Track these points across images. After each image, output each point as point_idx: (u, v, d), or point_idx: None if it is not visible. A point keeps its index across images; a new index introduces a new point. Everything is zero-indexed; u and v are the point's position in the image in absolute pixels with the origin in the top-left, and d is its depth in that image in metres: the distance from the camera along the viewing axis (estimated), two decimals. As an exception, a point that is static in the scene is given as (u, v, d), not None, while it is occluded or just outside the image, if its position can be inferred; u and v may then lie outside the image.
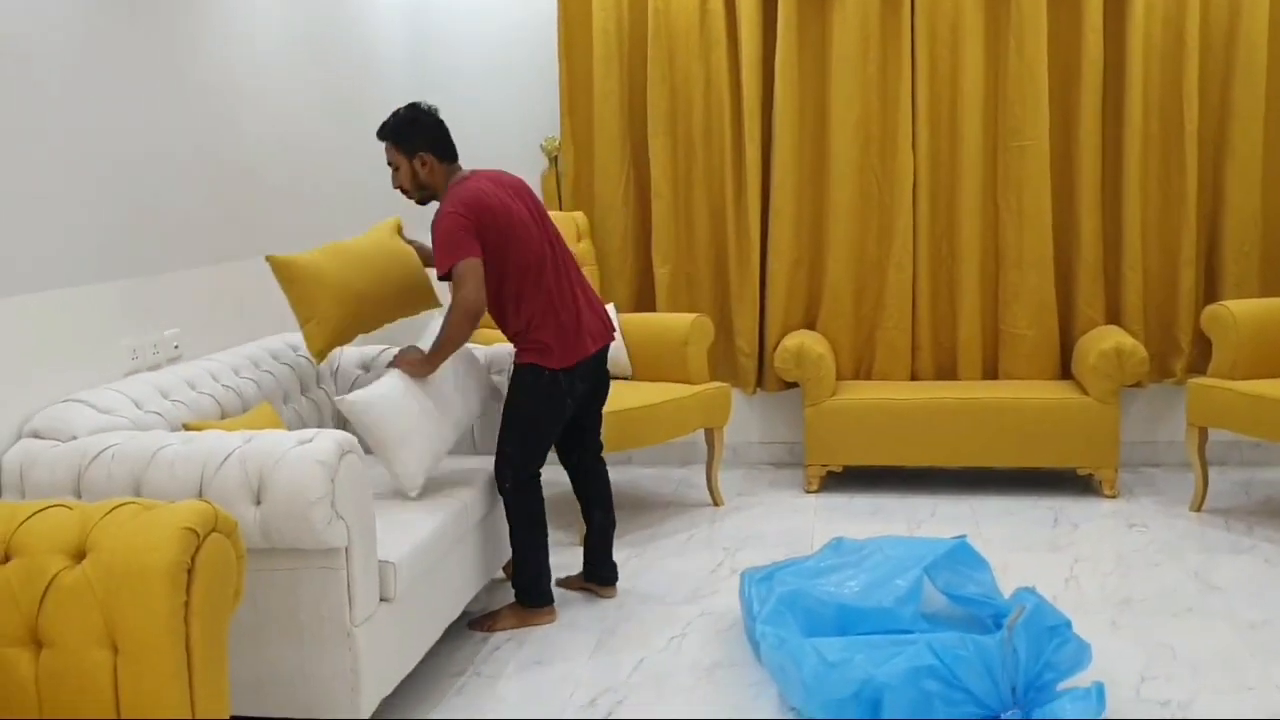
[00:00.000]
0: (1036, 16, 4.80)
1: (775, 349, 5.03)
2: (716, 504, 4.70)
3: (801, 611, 3.05)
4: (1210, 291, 4.96)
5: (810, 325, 5.19)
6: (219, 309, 3.59)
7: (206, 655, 1.95)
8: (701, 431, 4.68)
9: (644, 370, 4.75)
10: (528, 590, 3.54)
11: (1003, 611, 3.11)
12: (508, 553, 3.63)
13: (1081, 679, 2.70)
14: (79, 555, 1.96)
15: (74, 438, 2.64)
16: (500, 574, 3.71)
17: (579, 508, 3.86)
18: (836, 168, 5.04)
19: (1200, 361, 4.92)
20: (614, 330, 3.66)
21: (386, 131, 3.44)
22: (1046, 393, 4.75)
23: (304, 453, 2.50)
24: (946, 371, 5.16)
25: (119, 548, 1.93)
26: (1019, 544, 4.09)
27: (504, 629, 3.48)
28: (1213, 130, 4.87)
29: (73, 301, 2.91)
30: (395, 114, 3.46)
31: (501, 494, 3.50)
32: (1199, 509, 4.39)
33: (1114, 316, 4.99)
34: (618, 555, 3.87)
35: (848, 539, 3.44)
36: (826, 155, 5.07)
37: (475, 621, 3.51)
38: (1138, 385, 4.83)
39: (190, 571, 1.93)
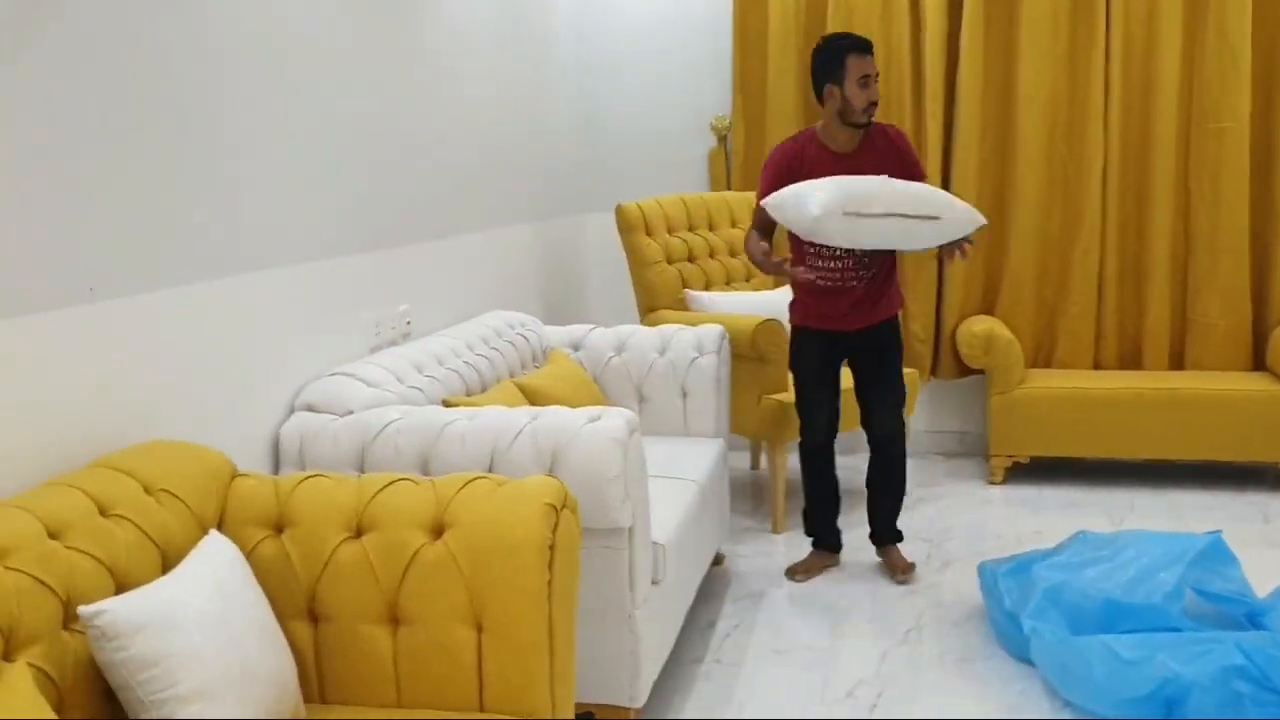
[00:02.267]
0: (1240, -11, 4.62)
1: (952, 335, 4.91)
2: (899, 493, 4.57)
3: (1067, 606, 2.93)
4: None
5: (988, 311, 5.04)
6: (438, 284, 3.55)
7: (564, 634, 1.88)
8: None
9: (826, 354, 4.63)
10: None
11: (1257, 610, 2.98)
12: (718, 540, 3.56)
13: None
14: (437, 531, 1.89)
15: (350, 412, 2.58)
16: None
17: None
18: (1022, 149, 4.88)
19: (1405, 354, 4.73)
20: None
21: (869, 44, 3.46)
22: (1245, 384, 4.57)
23: (598, 429, 2.42)
24: (1130, 361, 4.99)
25: (482, 523, 1.87)
26: (1234, 540, 3.86)
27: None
28: None
29: (322, 275, 2.86)
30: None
31: (901, 436, 3.69)
32: None
33: (1314, 305, 4.80)
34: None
35: (1091, 532, 3.31)
36: (1012, 136, 4.91)
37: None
38: (1338, 378, 4.64)
39: (552, 548, 1.85)
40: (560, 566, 1.86)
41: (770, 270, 3.52)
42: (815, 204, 3.13)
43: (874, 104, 3.42)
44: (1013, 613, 3.07)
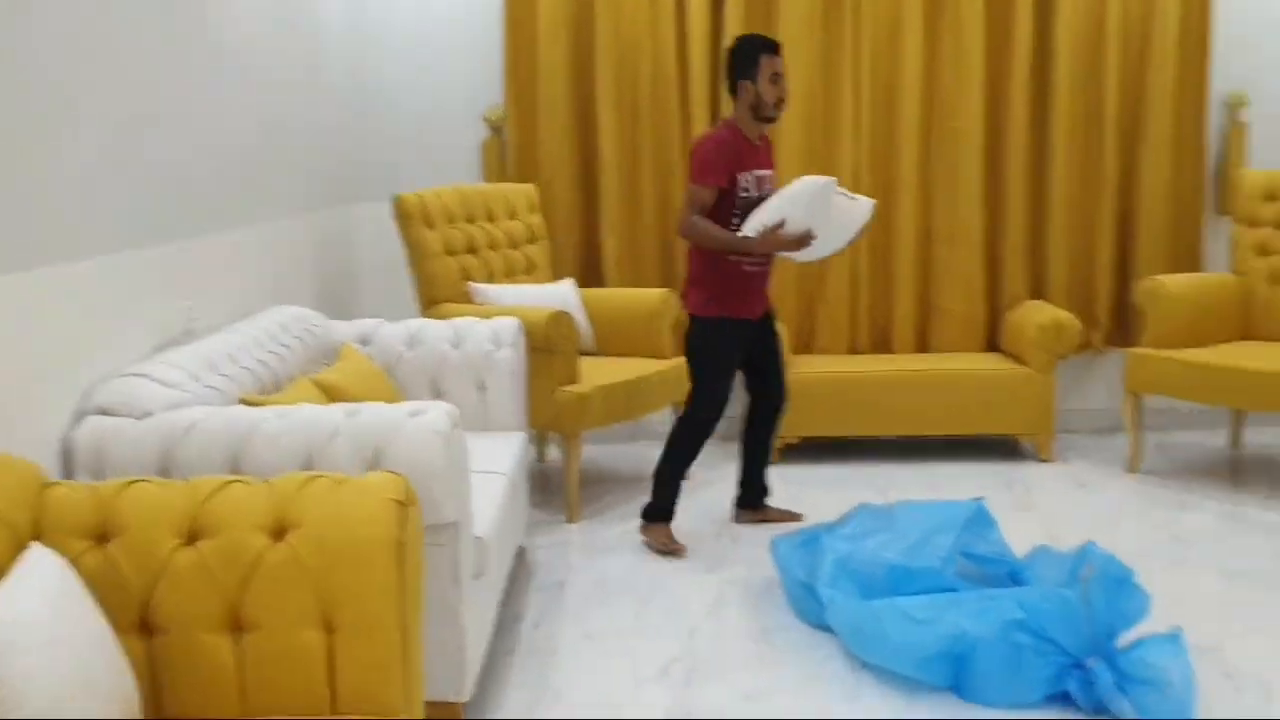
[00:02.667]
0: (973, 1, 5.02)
1: (724, 323, 5.12)
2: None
3: (856, 574, 3.12)
4: (1123, 267, 5.31)
5: (755, 300, 5.26)
6: (218, 280, 3.38)
7: (415, 631, 1.85)
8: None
9: (608, 345, 4.71)
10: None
11: (1017, 569, 3.27)
12: (521, 532, 3.58)
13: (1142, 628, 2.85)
14: (279, 532, 1.82)
15: (149, 414, 2.43)
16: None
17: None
18: (781, 146, 5.09)
19: (1115, 333, 5.30)
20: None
21: (779, 45, 3.76)
22: (983, 364, 4.98)
23: (421, 424, 2.38)
24: (881, 345, 5.34)
25: (327, 522, 1.81)
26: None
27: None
28: (1129, 114, 5.21)
29: (99, 272, 2.65)
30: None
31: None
32: (1136, 470, 4.72)
33: (1037, 291, 5.29)
34: (610, 532, 3.90)
35: (871, 504, 3.53)
36: (771, 133, 5.12)
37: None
38: (1062, 357, 5.13)
39: (401, 545, 1.82)
40: (409, 563, 1.83)
41: (736, 246, 3.64)
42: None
43: (782, 100, 3.69)
44: (807, 583, 3.24)
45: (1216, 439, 5.26)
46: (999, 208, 5.24)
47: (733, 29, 5.00)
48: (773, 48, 3.69)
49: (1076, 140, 5.19)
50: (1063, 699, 2.76)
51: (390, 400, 3.18)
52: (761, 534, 3.86)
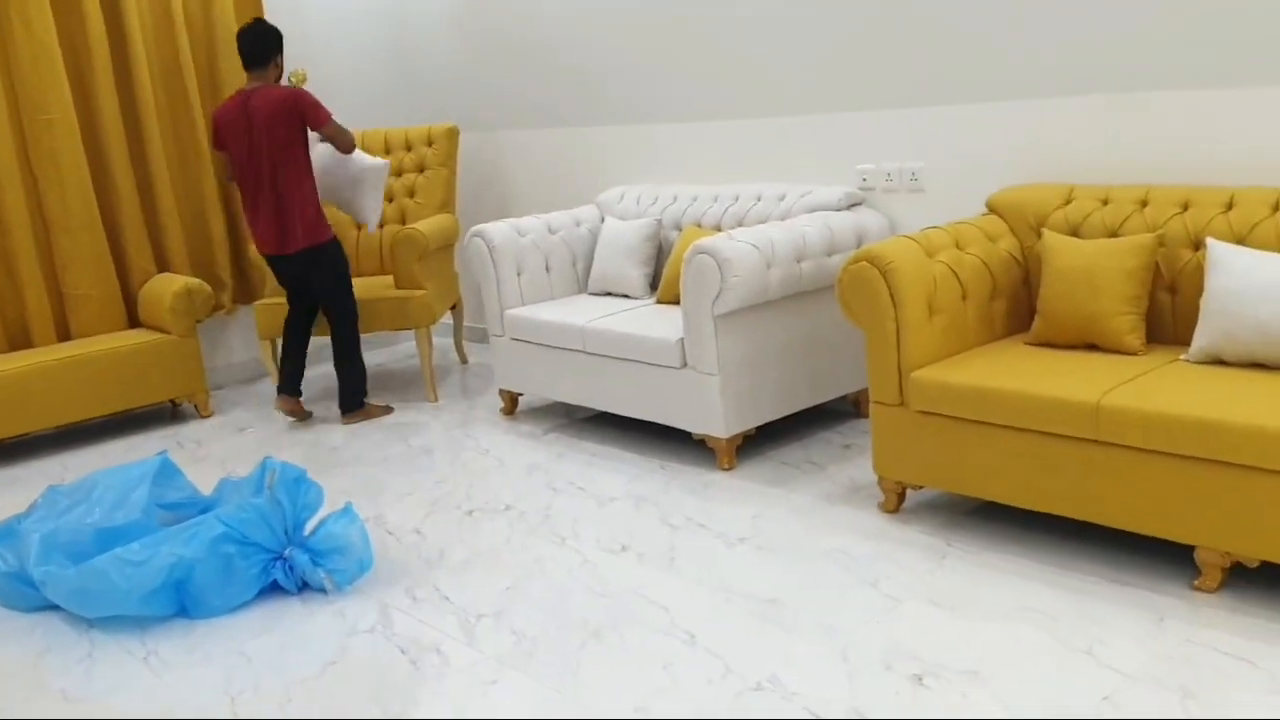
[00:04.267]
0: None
1: None
2: None
3: (66, 546, 3.28)
4: (234, 233, 5.88)
5: None
6: None
7: None
8: None
9: None
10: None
11: (209, 505, 3.71)
12: None
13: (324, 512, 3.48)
14: None
15: None
16: None
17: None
18: None
19: (240, 291, 5.90)
20: (289, 244, 4.76)
21: None
22: (129, 340, 5.20)
23: None
24: (20, 342, 5.30)
25: None
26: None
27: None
28: (212, 99, 5.75)
29: None
30: None
31: None
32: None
33: (164, 265, 5.65)
34: None
35: (57, 485, 3.67)
36: None
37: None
38: (199, 320, 5.58)
39: None
40: None
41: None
42: None
43: None
44: (15, 572, 3.32)
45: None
46: (110, 193, 5.46)
47: None
48: None
49: (167, 125, 5.61)
50: (274, 588, 3.29)
51: None
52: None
